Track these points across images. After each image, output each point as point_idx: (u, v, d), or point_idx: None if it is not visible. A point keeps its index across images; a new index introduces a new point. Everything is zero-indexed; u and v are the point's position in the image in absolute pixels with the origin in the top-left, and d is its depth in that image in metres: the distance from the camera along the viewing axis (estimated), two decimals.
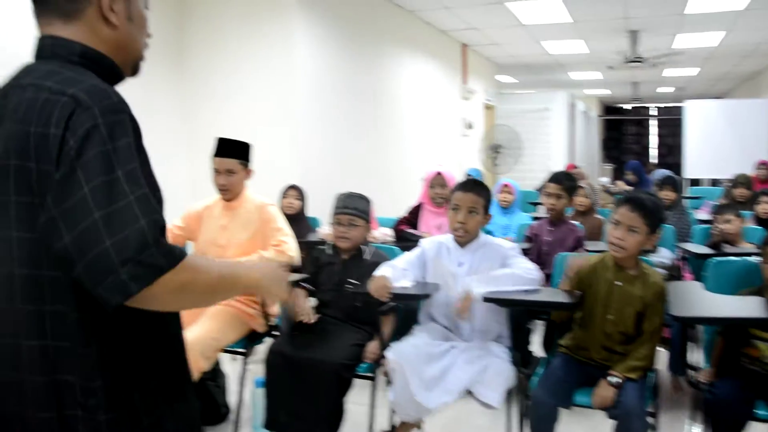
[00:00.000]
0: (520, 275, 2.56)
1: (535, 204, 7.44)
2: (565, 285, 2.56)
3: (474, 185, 2.78)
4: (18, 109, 1.09)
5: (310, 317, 2.85)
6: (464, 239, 2.73)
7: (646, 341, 2.46)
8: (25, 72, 1.15)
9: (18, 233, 1.07)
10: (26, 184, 1.05)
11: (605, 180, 13.26)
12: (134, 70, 1.32)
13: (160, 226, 1.05)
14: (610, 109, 21.99)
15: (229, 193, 3.17)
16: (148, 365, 1.15)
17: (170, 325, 1.22)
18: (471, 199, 2.70)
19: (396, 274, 2.62)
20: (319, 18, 5.81)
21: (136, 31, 1.26)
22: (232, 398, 3.38)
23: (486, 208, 2.75)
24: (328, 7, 5.94)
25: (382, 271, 2.62)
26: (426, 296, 2.54)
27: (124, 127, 1.08)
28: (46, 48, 1.16)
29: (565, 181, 3.78)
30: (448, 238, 2.82)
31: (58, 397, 1.07)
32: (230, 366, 3.83)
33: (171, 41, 5.79)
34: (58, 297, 1.06)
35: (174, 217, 3.18)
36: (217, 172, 3.16)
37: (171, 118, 5.82)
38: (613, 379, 2.37)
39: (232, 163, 3.13)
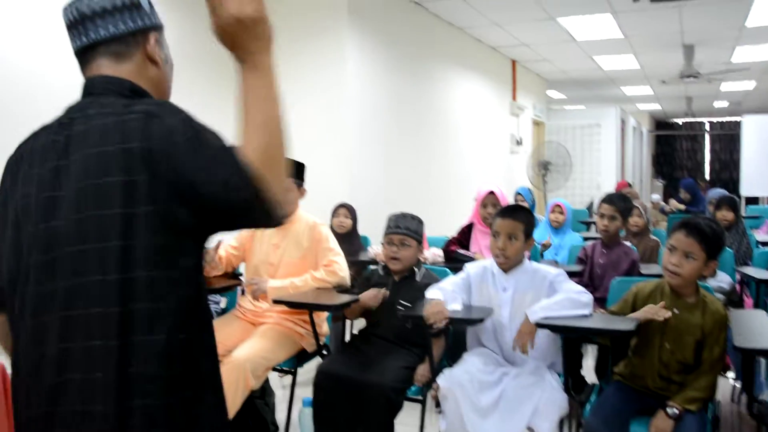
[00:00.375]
0: (574, 299, 2.52)
1: (586, 223, 7.32)
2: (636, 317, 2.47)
3: (513, 211, 2.78)
4: (90, 135, 1.19)
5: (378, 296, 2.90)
6: (506, 265, 2.72)
7: (706, 371, 2.37)
8: (84, 105, 1.25)
9: (117, 242, 1.15)
10: (121, 195, 1.15)
11: (656, 197, 12.98)
12: None
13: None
14: (661, 124, 21.53)
15: None
16: (201, 354, 1.23)
17: (209, 315, 1.32)
18: (510, 226, 2.69)
19: (447, 296, 2.60)
20: (369, 35, 5.84)
21: (170, 73, 1.44)
22: (280, 416, 3.39)
23: (527, 233, 2.73)
24: (378, 25, 5.97)
25: (433, 294, 2.60)
26: (480, 320, 2.51)
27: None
28: (98, 85, 1.27)
29: (620, 203, 3.69)
30: (493, 263, 2.80)
31: (124, 389, 1.13)
32: (278, 384, 3.85)
33: (220, 59, 5.89)
34: (142, 295, 1.15)
35: (228, 237, 3.22)
36: None
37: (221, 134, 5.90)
38: (672, 411, 2.28)
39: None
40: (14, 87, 4.11)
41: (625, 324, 2.39)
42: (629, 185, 8.94)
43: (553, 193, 10.30)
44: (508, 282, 2.72)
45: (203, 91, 5.75)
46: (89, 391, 1.14)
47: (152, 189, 1.14)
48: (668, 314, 2.37)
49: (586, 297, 2.55)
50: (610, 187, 13.08)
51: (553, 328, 2.44)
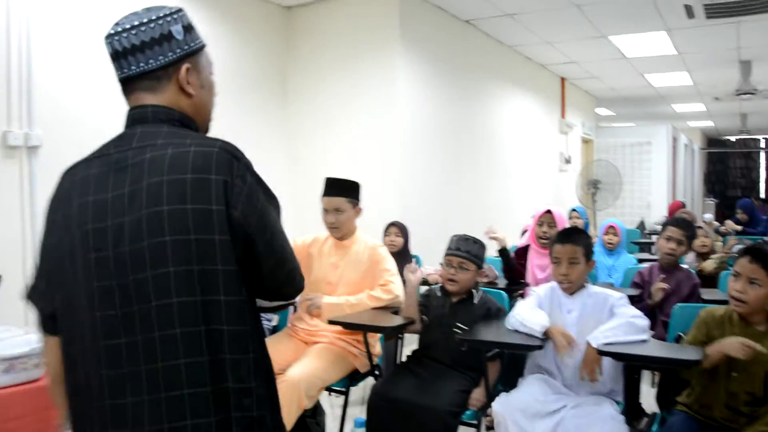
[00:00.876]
0: (632, 324, 2.48)
1: (639, 244, 7.16)
2: (712, 356, 2.36)
3: (571, 235, 2.78)
4: (160, 164, 1.23)
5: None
6: (570, 290, 2.72)
7: None
8: (144, 136, 1.30)
9: (198, 266, 1.22)
10: (195, 222, 1.22)
11: (709, 217, 12.63)
12: (206, 131, 1.47)
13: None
14: (713, 141, 21.01)
15: (338, 231, 3.21)
16: (269, 371, 1.37)
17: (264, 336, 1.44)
18: (570, 250, 2.69)
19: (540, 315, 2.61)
20: (420, 54, 5.86)
21: (207, 97, 1.44)
22: None
23: (587, 255, 2.73)
24: (429, 44, 5.99)
25: (540, 317, 2.56)
26: (540, 347, 2.46)
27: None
28: (148, 114, 1.33)
29: (687, 227, 3.59)
30: (557, 286, 2.78)
31: (221, 402, 1.23)
32: (326, 402, 3.84)
33: (276, 81, 5.99)
34: (233, 317, 1.25)
35: None
36: (326, 211, 3.20)
37: (275, 155, 5.99)
38: None
39: (340, 201, 3.18)
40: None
41: (692, 353, 2.32)
42: (684, 205, 8.72)
43: (602, 212, 10.13)
44: (573, 304, 2.70)
45: (251, 108, 5.84)
46: (178, 408, 1.20)
47: (227, 226, 1.24)
48: (754, 350, 2.24)
49: (644, 321, 2.51)
50: (660, 207, 12.82)
51: (617, 356, 2.38)
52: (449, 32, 6.38)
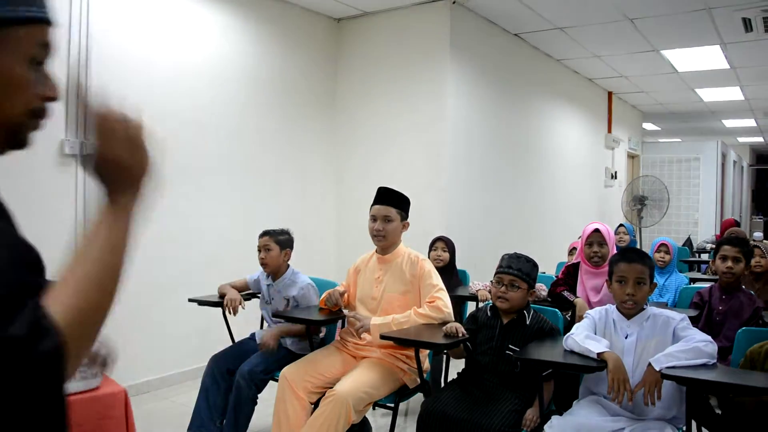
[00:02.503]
0: (699, 349, 2.38)
1: (688, 262, 6.96)
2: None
3: (638, 254, 2.70)
4: None
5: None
6: (634, 311, 2.62)
7: None
8: None
9: None
10: None
11: (759, 235, 12.28)
12: (12, 140, 0.94)
13: None
14: (762, 158, 20.46)
15: (384, 240, 3.17)
16: None
17: None
18: (638, 270, 2.61)
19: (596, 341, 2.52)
20: (469, 67, 5.81)
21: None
22: None
23: (651, 277, 2.65)
24: (478, 57, 5.94)
25: (594, 346, 2.48)
26: (600, 368, 2.37)
27: None
28: None
29: (743, 244, 3.48)
30: (612, 308, 2.70)
31: None
32: (372, 416, 3.80)
33: (324, 92, 6.01)
34: None
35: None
36: (374, 219, 3.17)
37: (322, 167, 6.00)
38: None
39: (390, 210, 3.15)
40: None
41: (759, 380, 2.23)
42: (737, 223, 8.45)
43: (648, 228, 9.92)
44: (630, 328, 2.61)
45: (299, 118, 5.85)
46: None
47: None
48: None
49: (711, 347, 2.41)
50: (708, 224, 12.51)
51: (681, 380, 2.29)
52: (498, 45, 6.33)
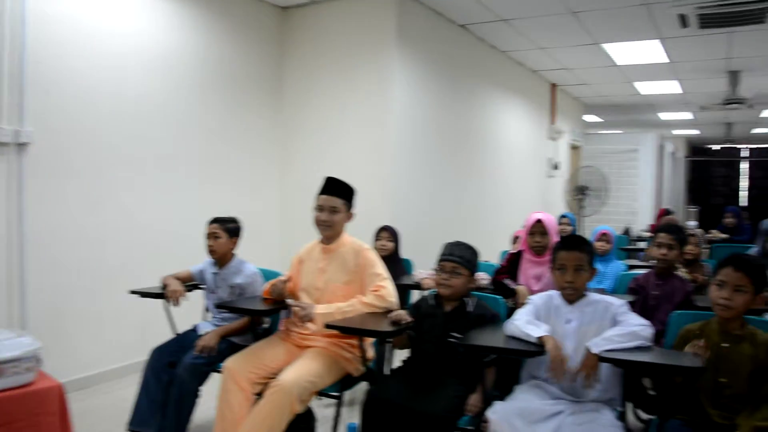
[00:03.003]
0: (636, 332, 2.46)
1: (626, 250, 7.15)
2: (701, 350, 2.42)
3: (577, 242, 2.75)
4: None
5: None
6: (574, 297, 2.69)
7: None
8: None
9: None
10: None
11: (693, 224, 12.70)
12: None
13: None
14: (697, 150, 21.21)
15: (329, 230, 3.16)
16: None
17: None
18: (576, 257, 2.67)
19: (536, 326, 2.57)
20: (416, 59, 5.82)
21: None
22: None
23: (591, 263, 2.72)
24: (425, 48, 5.95)
25: (533, 330, 2.52)
26: (540, 353, 2.42)
27: None
28: None
29: (678, 231, 3.61)
30: (555, 294, 2.75)
31: None
32: (316, 406, 3.79)
33: (270, 81, 5.93)
34: None
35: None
36: (321, 209, 3.16)
37: (267, 156, 5.94)
38: None
39: (336, 201, 3.15)
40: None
41: (693, 361, 2.32)
42: (670, 212, 8.74)
43: (589, 218, 10.16)
44: (572, 314, 2.66)
45: (244, 107, 5.78)
46: None
47: None
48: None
49: (648, 331, 2.49)
50: (646, 214, 12.88)
51: (618, 363, 2.35)
52: (445, 36, 6.35)
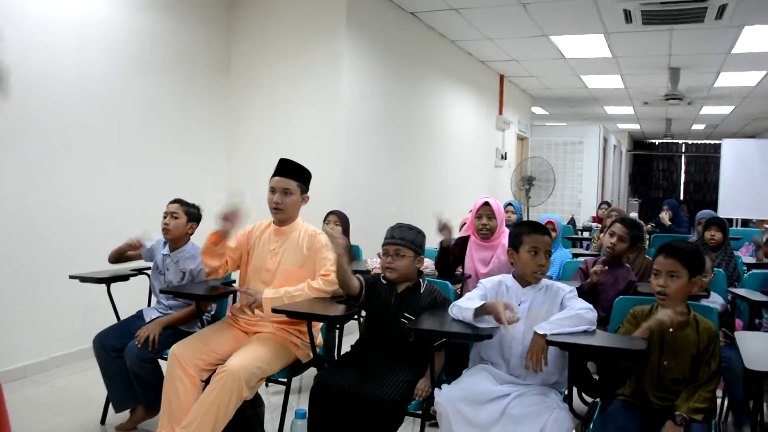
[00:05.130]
0: (581, 316, 2.50)
1: (571, 239, 7.32)
2: (642, 334, 2.48)
3: (544, 228, 2.79)
4: None
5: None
6: (539, 280, 2.72)
7: (707, 384, 2.44)
8: None
9: None
10: None
11: (634, 215, 13.03)
12: None
13: None
14: (639, 144, 21.82)
15: (282, 213, 3.11)
16: None
17: None
18: (547, 242, 2.72)
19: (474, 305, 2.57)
20: (365, 44, 5.79)
21: None
22: (268, 427, 3.30)
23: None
24: (375, 34, 5.93)
25: (460, 310, 2.55)
26: (489, 336, 2.44)
27: None
28: None
29: (634, 228, 3.67)
30: (507, 277, 2.77)
31: None
32: (264, 392, 3.76)
33: (216, 62, 5.81)
34: None
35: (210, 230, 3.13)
36: (273, 191, 3.11)
37: (212, 138, 5.83)
38: (680, 417, 2.33)
39: (290, 183, 3.10)
40: None
41: (637, 343, 2.38)
42: (608, 204, 8.97)
43: (535, 208, 10.33)
44: (525, 295, 2.69)
45: (189, 88, 5.66)
46: None
47: None
48: (676, 316, 2.47)
49: (592, 314, 2.54)
50: (589, 205, 13.19)
51: (564, 346, 2.40)
52: (395, 24, 6.34)
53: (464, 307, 2.54)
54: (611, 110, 13.52)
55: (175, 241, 3.51)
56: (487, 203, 3.75)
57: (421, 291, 2.91)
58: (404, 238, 2.90)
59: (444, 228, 3.66)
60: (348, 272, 2.89)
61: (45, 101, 4.27)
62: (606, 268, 3.54)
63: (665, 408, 2.43)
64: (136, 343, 3.18)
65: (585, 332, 2.45)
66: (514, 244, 2.76)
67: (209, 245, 3.09)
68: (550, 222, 4.91)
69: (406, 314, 2.81)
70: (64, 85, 4.38)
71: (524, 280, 2.73)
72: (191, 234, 3.56)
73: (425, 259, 3.65)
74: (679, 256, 2.50)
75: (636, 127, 17.14)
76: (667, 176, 21.85)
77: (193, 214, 3.55)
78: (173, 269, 3.51)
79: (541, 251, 2.68)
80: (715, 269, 4.08)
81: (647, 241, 5.83)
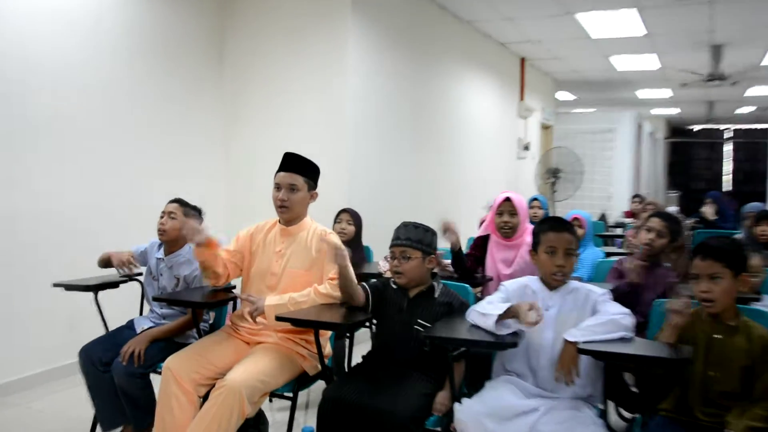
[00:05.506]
0: (616, 321, 2.49)
1: (603, 237, 7.29)
2: (669, 337, 2.46)
3: (565, 224, 2.77)
4: None
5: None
6: (561, 283, 2.71)
7: (763, 400, 2.36)
8: None
9: None
10: None
11: (674, 209, 12.99)
12: None
13: None
14: (677, 131, 21.69)
15: (288, 211, 3.12)
16: None
17: None
18: (567, 240, 2.69)
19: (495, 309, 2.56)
20: (372, 29, 5.81)
21: None
22: None
23: (577, 247, 2.75)
24: (382, 17, 5.94)
25: (493, 310, 2.54)
26: (513, 345, 2.44)
27: None
28: None
29: (672, 222, 3.63)
30: (532, 280, 2.77)
31: None
32: (267, 408, 3.78)
33: (211, 47, 5.84)
34: None
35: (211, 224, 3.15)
36: (278, 187, 3.12)
37: (207, 132, 5.86)
38: None
39: (297, 179, 3.11)
40: None
41: (681, 352, 2.35)
42: (640, 197, 8.90)
43: (561, 203, 10.31)
44: (552, 300, 2.68)
45: (181, 78, 5.70)
46: None
47: None
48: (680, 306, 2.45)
49: (629, 320, 2.53)
50: (622, 199, 13.14)
51: (598, 355, 2.39)
52: (404, 4, 6.35)
53: (485, 312, 2.54)
54: (645, 94, 13.47)
55: (171, 243, 3.53)
56: (508, 199, 3.77)
57: (436, 295, 2.92)
58: (410, 238, 2.91)
59: (447, 230, 3.67)
60: (353, 283, 2.90)
61: (17, 90, 4.29)
62: (644, 263, 3.53)
63: (714, 425, 2.37)
64: (120, 360, 3.18)
65: (621, 339, 2.44)
66: (534, 244, 2.78)
67: (201, 266, 3.15)
68: (576, 218, 4.90)
69: (419, 321, 2.82)
70: (45, 69, 4.41)
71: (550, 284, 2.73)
72: None
73: (444, 260, 3.65)
74: (716, 256, 2.44)
75: (673, 112, 17.06)
76: (710, 165, 21.73)
77: (193, 216, 3.54)
78: (167, 275, 3.53)
79: (558, 250, 2.67)
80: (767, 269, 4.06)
81: (689, 238, 5.81)
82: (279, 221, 3.23)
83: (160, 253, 3.57)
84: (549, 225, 2.77)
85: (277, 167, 3.16)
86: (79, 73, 4.65)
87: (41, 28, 4.39)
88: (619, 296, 3.31)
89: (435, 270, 3.01)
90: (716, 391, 2.42)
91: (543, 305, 2.65)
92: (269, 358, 2.92)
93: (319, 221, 3.34)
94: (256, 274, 3.20)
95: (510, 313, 2.49)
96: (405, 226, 2.97)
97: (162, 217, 3.51)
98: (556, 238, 2.69)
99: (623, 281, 3.55)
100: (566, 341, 2.46)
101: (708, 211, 7.71)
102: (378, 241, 4.91)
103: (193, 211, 3.57)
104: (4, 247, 4.24)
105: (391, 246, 2.94)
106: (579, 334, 2.44)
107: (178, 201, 3.56)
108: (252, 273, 3.23)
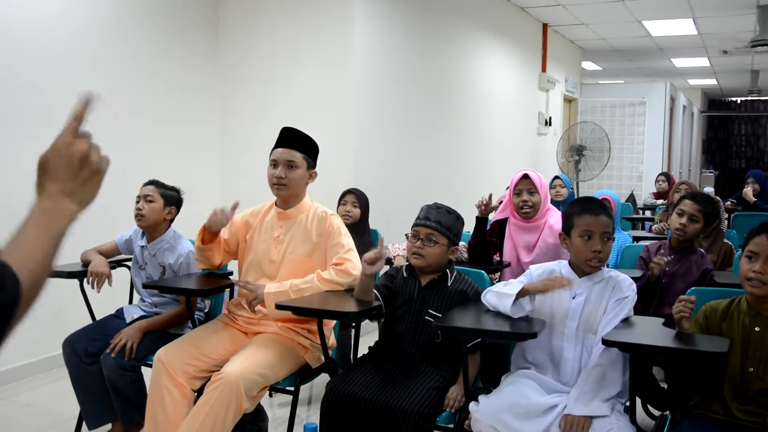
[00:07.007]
0: (605, 367, 2.50)
1: (631, 219, 7.29)
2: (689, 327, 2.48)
3: (601, 206, 2.76)
4: None
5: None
6: (596, 270, 2.71)
7: None
8: None
9: None
10: None
11: (710, 191, 12.95)
12: None
13: None
14: (715, 104, 21.53)
15: (286, 189, 3.14)
16: None
17: None
18: (604, 224, 2.69)
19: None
20: None
21: None
22: None
23: (614, 230, 2.75)
24: None
25: (510, 289, 2.59)
26: (533, 335, 2.47)
27: None
28: None
29: (707, 205, 3.63)
30: (560, 265, 2.78)
31: None
32: (267, 403, 3.82)
33: (205, 19, 5.85)
34: None
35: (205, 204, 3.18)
36: (275, 164, 3.14)
37: (203, 110, 5.88)
38: None
39: (295, 155, 3.13)
40: None
41: (716, 345, 2.35)
42: (666, 176, 8.86)
43: (586, 183, 10.30)
44: (580, 287, 2.69)
45: (175, 51, 5.71)
46: None
47: None
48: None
49: (617, 370, 2.52)
50: (654, 178, 13.09)
51: (625, 347, 2.40)
52: None
53: (502, 292, 2.57)
54: (681, 63, 13.38)
55: (152, 229, 3.55)
56: (526, 176, 3.77)
57: (449, 283, 2.95)
58: (440, 222, 2.92)
59: (485, 206, 3.73)
60: (370, 293, 2.94)
61: (7, 61, 4.34)
62: (668, 259, 3.53)
63: (753, 425, 2.38)
64: (109, 351, 3.21)
65: (647, 329, 2.46)
66: (566, 227, 2.77)
67: (198, 246, 3.18)
68: (605, 199, 4.91)
69: (431, 311, 2.85)
70: (23, 39, 4.43)
71: (581, 269, 2.73)
72: (170, 220, 3.59)
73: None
74: None
75: (712, 82, 16.95)
76: (752, 142, 21.52)
77: (172, 197, 3.57)
78: (152, 263, 3.56)
79: (595, 234, 2.66)
80: None
81: (726, 222, 5.80)
82: (276, 203, 3.26)
83: (143, 241, 3.59)
84: (584, 207, 2.76)
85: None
86: (61, 43, 4.67)
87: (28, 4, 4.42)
88: (642, 289, 3.33)
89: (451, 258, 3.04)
90: (756, 388, 2.41)
91: (570, 292, 2.68)
92: (269, 349, 2.95)
93: (322, 203, 3.35)
94: (254, 263, 3.23)
95: (527, 292, 2.53)
96: (437, 207, 2.99)
97: (138, 202, 3.50)
98: (593, 222, 2.67)
99: (646, 273, 3.55)
100: (573, 416, 2.45)
101: (749, 191, 7.59)
102: (386, 224, 4.96)
103: (171, 191, 3.59)
104: None
105: (417, 225, 2.95)
106: (581, 406, 2.44)
107: (154, 183, 3.56)
108: (249, 262, 3.25)
